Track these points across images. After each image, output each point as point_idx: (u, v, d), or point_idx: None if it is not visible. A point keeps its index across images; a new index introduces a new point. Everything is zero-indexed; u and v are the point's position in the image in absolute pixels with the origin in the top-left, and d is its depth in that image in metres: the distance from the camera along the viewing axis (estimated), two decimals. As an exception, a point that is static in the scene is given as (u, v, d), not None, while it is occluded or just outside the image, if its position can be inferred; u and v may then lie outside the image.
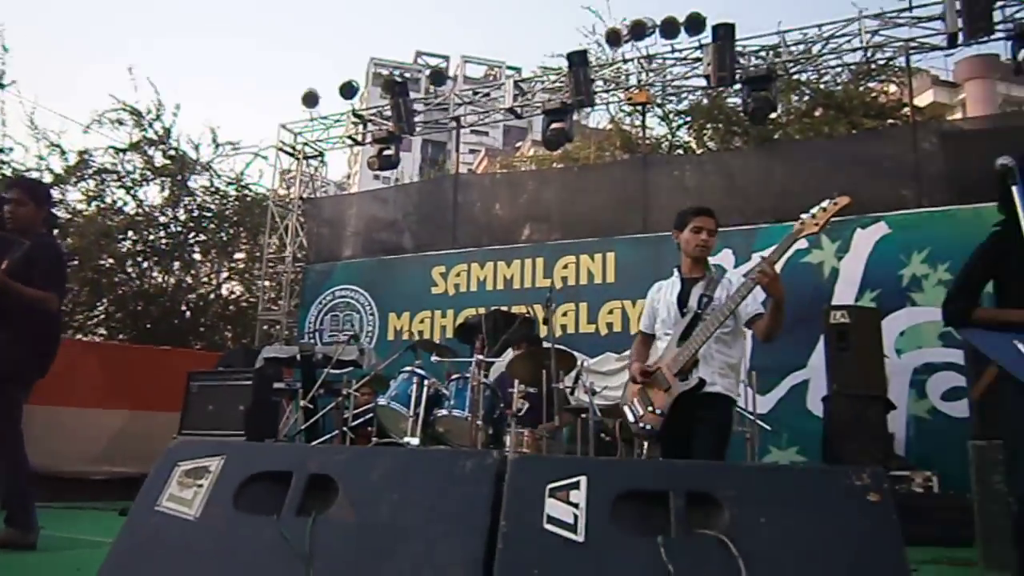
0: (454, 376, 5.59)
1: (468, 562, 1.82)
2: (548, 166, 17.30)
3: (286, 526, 1.97)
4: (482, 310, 9.21)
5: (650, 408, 3.67)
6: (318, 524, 1.97)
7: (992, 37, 8.61)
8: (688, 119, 16.53)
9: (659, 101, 15.67)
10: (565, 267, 9.98)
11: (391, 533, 1.94)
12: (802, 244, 8.73)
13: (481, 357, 5.36)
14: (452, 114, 11.76)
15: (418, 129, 12.00)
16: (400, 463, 2.10)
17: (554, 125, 10.27)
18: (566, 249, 10.11)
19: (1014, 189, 2.80)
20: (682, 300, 3.83)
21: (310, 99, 11.98)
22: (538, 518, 1.87)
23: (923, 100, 29.34)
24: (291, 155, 12.87)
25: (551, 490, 1.91)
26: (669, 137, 16.92)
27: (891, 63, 12.38)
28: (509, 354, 6.64)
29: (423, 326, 10.72)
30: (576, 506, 1.88)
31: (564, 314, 9.76)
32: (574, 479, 1.92)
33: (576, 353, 6.75)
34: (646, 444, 4.20)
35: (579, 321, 9.70)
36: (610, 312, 9.56)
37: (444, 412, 5.41)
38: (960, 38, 8.73)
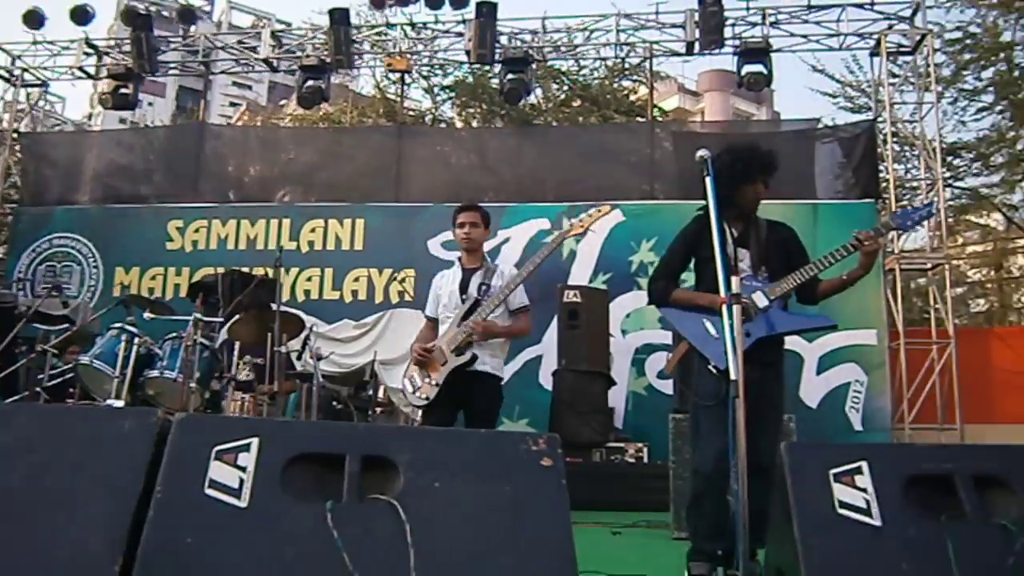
0: (170, 335, 5.17)
1: (111, 530, 1.63)
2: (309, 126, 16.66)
3: None
4: (221, 270, 8.68)
5: (427, 380, 4.10)
6: (-72, 493, 1.67)
7: (723, 51, 9.43)
8: (452, 95, 16.66)
9: (424, 73, 15.69)
10: (313, 231, 9.65)
11: (24, 501, 1.70)
12: (545, 225, 9.17)
13: (199, 315, 5.00)
14: (203, 58, 10.91)
15: (170, 73, 11.02)
16: (45, 421, 1.84)
17: (310, 83, 9.87)
18: (315, 212, 9.78)
19: (707, 180, 3.03)
20: (463, 287, 4.24)
21: (33, 19, 10.54)
22: (199, 483, 1.72)
23: (669, 104, 31.83)
24: (7, 80, 11.30)
25: (218, 452, 1.77)
26: (433, 111, 16.97)
27: (642, 64, 13.22)
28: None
29: (155, 283, 9.90)
30: (243, 470, 1.75)
31: (308, 279, 9.48)
32: (244, 441, 1.79)
33: (305, 317, 6.54)
34: (419, 414, 4.41)
35: (324, 287, 9.44)
36: (356, 280, 9.40)
37: (155, 373, 4.97)
38: (696, 47, 9.47)
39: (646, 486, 6.66)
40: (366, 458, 1.82)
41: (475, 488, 1.81)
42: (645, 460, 7.39)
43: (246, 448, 1.78)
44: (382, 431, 2.06)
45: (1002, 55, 12.76)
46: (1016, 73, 12.98)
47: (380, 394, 7.25)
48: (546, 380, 8.32)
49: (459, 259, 4.41)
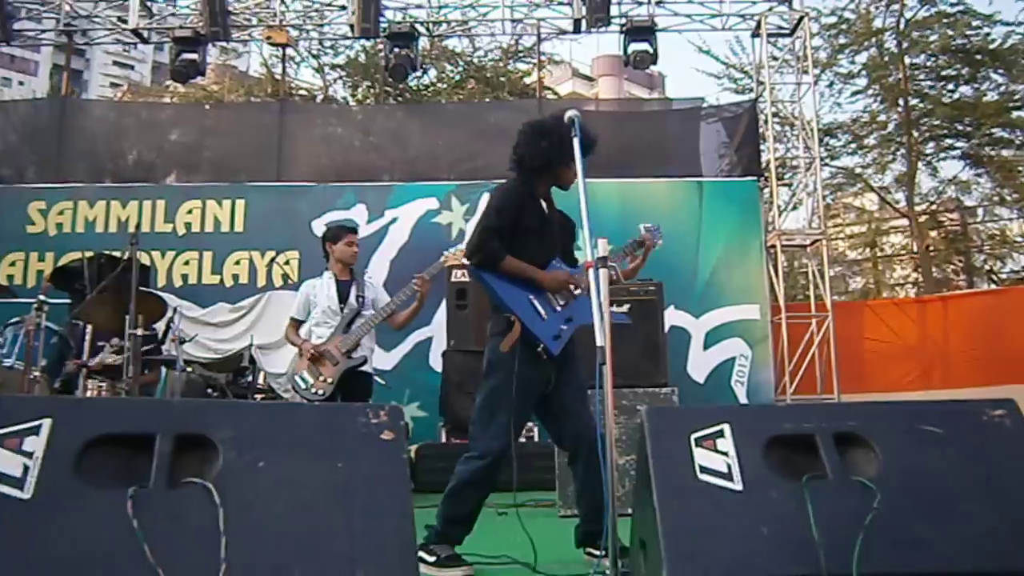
0: (12, 321, 4.75)
1: None
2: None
3: None
4: (89, 254, 8.12)
5: (320, 378, 4.63)
6: None
7: (610, 29, 9.43)
8: (343, 73, 16.22)
9: (314, 52, 15.18)
10: (189, 212, 9.13)
11: None
12: (433, 205, 9.00)
13: (43, 298, 4.60)
14: (65, 27, 10.17)
15: (32, 44, 10.21)
16: None
17: (184, 56, 9.34)
18: (192, 193, 9.28)
19: (575, 140, 2.92)
20: (342, 297, 4.84)
21: None
22: (-29, 474, 1.48)
23: (564, 89, 32.06)
24: None
25: (-1, 437, 1.53)
26: (324, 90, 16.48)
27: (535, 46, 13.14)
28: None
29: (14, 270, 9.18)
30: (30, 455, 1.52)
31: (186, 263, 8.99)
32: (33, 423, 1.55)
33: (171, 298, 6.16)
34: None
35: (202, 271, 8.96)
36: (236, 263, 8.95)
37: (-8, 362, 4.57)
38: (583, 26, 9.44)
39: (534, 465, 6.59)
40: (180, 437, 1.61)
41: (305, 467, 1.63)
42: (535, 439, 7.33)
43: (35, 431, 1.55)
44: (200, 406, 1.84)
45: (874, 40, 13.32)
46: (887, 58, 13.59)
47: (260, 380, 6.93)
48: (436, 362, 8.15)
49: (328, 270, 4.99)
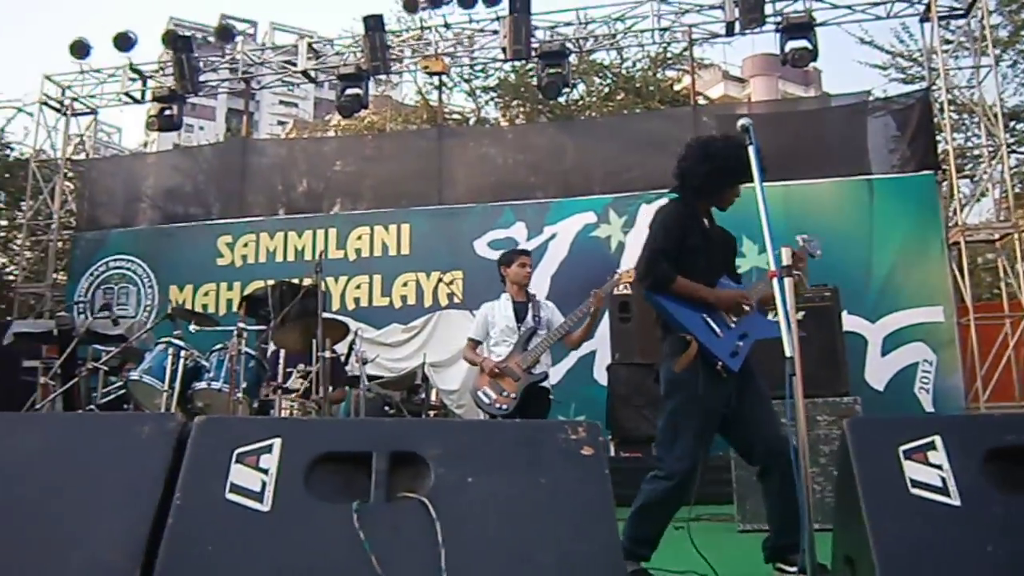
0: (217, 347, 5.20)
1: (129, 540, 1.55)
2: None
3: None
4: (271, 282, 8.75)
5: (503, 393, 4.69)
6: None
7: (765, 29, 9.15)
8: (495, 95, 16.60)
9: (465, 76, 15.65)
10: (359, 238, 9.66)
11: (42, 510, 1.63)
12: (591, 219, 9.03)
13: (243, 325, 5.00)
14: (242, 75, 11.05)
15: (213, 93, 11.17)
16: (63, 430, 1.78)
17: (348, 91, 9.90)
18: (360, 220, 9.81)
19: (750, 148, 2.86)
20: (519, 317, 4.94)
21: (79, 49, 10.80)
22: (220, 487, 1.64)
23: (715, 93, 31.36)
24: (57, 111, 11.59)
25: (239, 455, 1.68)
26: (476, 112, 16.93)
27: (684, 53, 12.96)
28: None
29: (207, 299, 10.04)
30: (266, 472, 1.66)
31: (357, 287, 9.50)
32: (266, 442, 1.70)
33: (351, 322, 6.51)
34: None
35: (372, 294, 9.44)
36: (404, 284, 9.37)
37: (203, 385, 4.98)
38: (737, 27, 9.21)
39: (707, 478, 6.37)
40: (394, 455, 1.72)
41: (511, 482, 1.69)
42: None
43: (268, 450, 1.69)
44: (410, 426, 1.95)
45: (1063, 11, 12.20)
46: (1079, 30, 12.40)
47: (432, 397, 7.18)
48: (601, 375, 8.15)
49: (505, 293, 5.09)
